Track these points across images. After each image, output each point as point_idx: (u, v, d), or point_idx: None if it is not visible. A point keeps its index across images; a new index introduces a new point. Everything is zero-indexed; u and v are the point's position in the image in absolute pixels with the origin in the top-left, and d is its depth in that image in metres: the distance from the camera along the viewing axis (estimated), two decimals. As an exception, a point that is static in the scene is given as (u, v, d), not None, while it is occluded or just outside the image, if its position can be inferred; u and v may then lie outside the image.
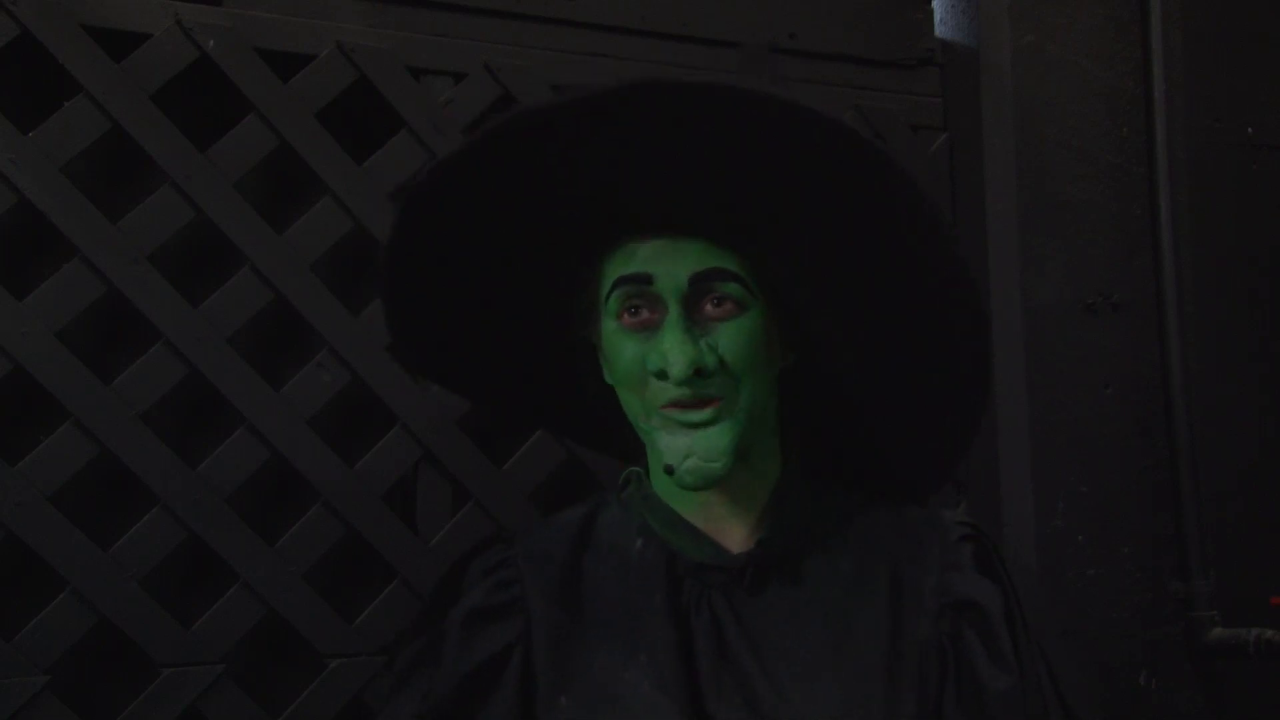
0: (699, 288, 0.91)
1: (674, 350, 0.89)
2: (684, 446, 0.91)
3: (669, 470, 0.92)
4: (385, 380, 1.47)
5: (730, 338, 0.91)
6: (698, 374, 0.89)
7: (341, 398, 1.47)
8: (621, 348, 0.93)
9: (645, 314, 0.92)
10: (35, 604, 1.30)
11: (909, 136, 1.79)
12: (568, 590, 1.00)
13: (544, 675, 0.96)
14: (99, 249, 1.34)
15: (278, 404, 1.42)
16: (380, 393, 1.47)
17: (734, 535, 0.99)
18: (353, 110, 1.50)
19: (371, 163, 1.50)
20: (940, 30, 1.86)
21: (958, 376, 0.99)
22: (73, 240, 1.33)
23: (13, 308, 1.31)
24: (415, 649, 1.02)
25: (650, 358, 0.91)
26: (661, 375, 0.90)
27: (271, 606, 1.39)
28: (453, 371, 1.12)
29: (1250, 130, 1.98)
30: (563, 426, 1.30)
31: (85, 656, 1.35)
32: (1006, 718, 0.91)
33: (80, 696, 1.33)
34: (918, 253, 0.91)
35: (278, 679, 1.45)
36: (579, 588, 1.00)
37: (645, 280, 0.91)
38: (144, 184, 1.40)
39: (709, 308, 0.92)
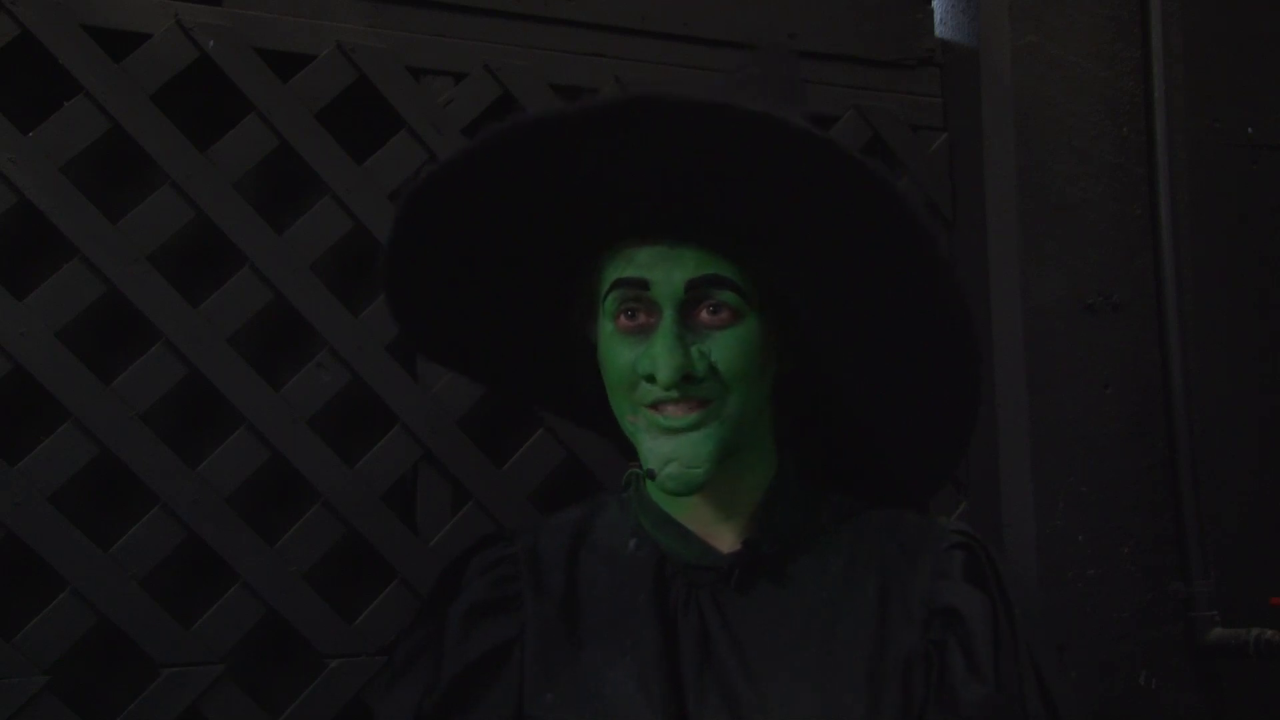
0: (695, 294, 0.92)
1: (663, 356, 0.89)
2: (666, 451, 0.91)
3: (651, 475, 0.92)
4: (385, 380, 1.47)
5: (724, 346, 0.92)
6: (685, 380, 0.90)
7: (341, 398, 1.47)
8: (616, 352, 0.94)
9: (641, 318, 0.93)
10: (35, 604, 1.30)
11: (909, 136, 1.79)
12: (562, 589, 1.01)
13: (533, 672, 0.97)
14: (99, 249, 1.34)
15: (278, 404, 1.42)
16: (380, 393, 1.47)
17: (724, 536, 0.99)
18: (353, 110, 1.50)
19: (371, 163, 1.50)
20: (940, 30, 1.86)
21: (949, 383, 0.99)
22: (73, 240, 1.33)
23: (13, 308, 1.31)
24: (414, 642, 1.02)
25: (641, 361, 0.91)
26: (651, 379, 0.90)
27: (271, 606, 1.39)
28: (457, 355, 1.13)
29: (1250, 130, 1.98)
30: (568, 411, 1.30)
31: (85, 656, 1.35)
32: None
33: (80, 696, 1.33)
34: (906, 264, 0.91)
35: (278, 679, 1.45)
36: (574, 587, 1.01)
37: (642, 285, 0.92)
38: (144, 184, 1.40)
39: (704, 315, 0.92)
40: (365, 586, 1.47)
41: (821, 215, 0.90)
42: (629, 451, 1.07)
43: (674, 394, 0.90)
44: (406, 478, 1.51)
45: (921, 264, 0.91)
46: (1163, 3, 1.87)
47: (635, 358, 0.92)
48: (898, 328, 0.96)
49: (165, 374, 1.37)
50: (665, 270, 0.91)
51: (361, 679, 1.43)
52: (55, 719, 1.29)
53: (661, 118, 0.84)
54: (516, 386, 1.19)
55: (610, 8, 1.63)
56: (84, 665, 1.36)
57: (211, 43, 1.41)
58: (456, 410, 1.50)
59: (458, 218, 0.96)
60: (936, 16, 1.86)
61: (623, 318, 0.93)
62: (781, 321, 0.97)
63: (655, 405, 0.92)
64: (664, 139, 0.85)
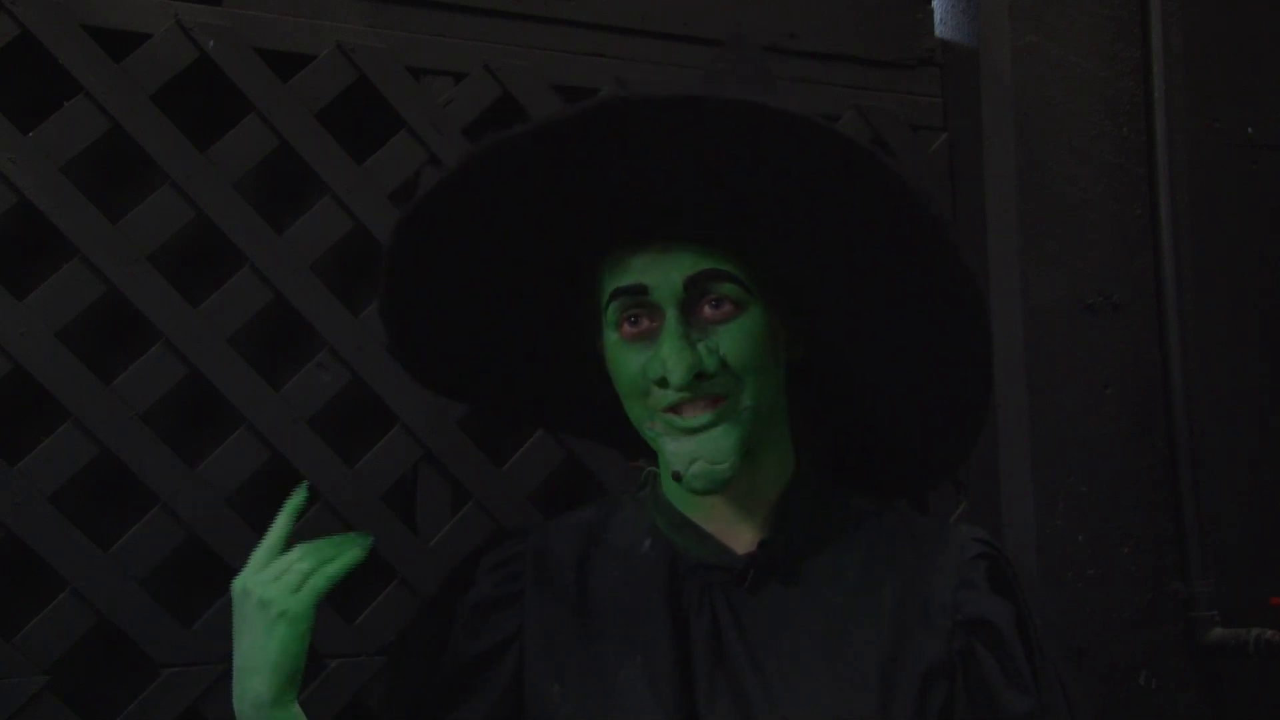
0: (695, 291, 0.91)
1: (672, 357, 0.89)
2: (689, 451, 0.91)
3: (676, 477, 0.92)
4: (385, 380, 1.47)
5: (731, 339, 0.91)
6: (698, 378, 0.89)
7: (341, 398, 1.47)
8: (624, 360, 0.93)
9: (644, 323, 0.92)
10: (35, 604, 1.30)
11: (909, 136, 1.79)
12: (572, 586, 1.00)
13: (536, 664, 0.97)
14: (99, 249, 1.34)
15: (278, 404, 1.42)
16: (380, 393, 1.47)
17: (740, 537, 0.99)
18: (353, 110, 1.50)
19: (371, 163, 1.50)
20: (940, 30, 1.86)
21: (960, 367, 0.98)
22: (73, 240, 1.33)
23: (13, 308, 1.31)
24: (417, 634, 1.03)
25: (651, 366, 0.91)
26: (662, 383, 0.90)
27: (271, 606, 1.39)
28: (455, 380, 1.12)
29: (1250, 130, 1.98)
30: (566, 425, 1.30)
31: (85, 656, 1.35)
32: None
33: (80, 696, 1.33)
34: (906, 245, 0.90)
35: (278, 679, 1.45)
36: (584, 585, 1.01)
37: (641, 291, 0.91)
38: (144, 184, 1.40)
39: (707, 310, 0.92)
40: (365, 586, 1.47)
41: (813, 199, 0.89)
42: (631, 453, 1.07)
43: (687, 395, 0.90)
44: (406, 478, 1.51)
45: (925, 239, 0.90)
46: (1163, 3, 1.87)
47: (643, 363, 0.92)
48: (905, 305, 0.95)
49: (165, 374, 1.37)
50: (662, 272, 0.91)
51: (361, 679, 1.43)
52: (55, 719, 1.29)
53: (644, 118, 0.83)
54: (521, 409, 1.19)
55: (610, 8, 1.63)
56: (84, 665, 1.36)
57: (211, 43, 1.41)
58: (456, 410, 1.50)
59: (450, 249, 0.96)
60: (936, 16, 1.86)
61: (626, 325, 0.93)
62: (786, 307, 0.97)
63: (671, 408, 0.91)
64: (647, 140, 0.85)
